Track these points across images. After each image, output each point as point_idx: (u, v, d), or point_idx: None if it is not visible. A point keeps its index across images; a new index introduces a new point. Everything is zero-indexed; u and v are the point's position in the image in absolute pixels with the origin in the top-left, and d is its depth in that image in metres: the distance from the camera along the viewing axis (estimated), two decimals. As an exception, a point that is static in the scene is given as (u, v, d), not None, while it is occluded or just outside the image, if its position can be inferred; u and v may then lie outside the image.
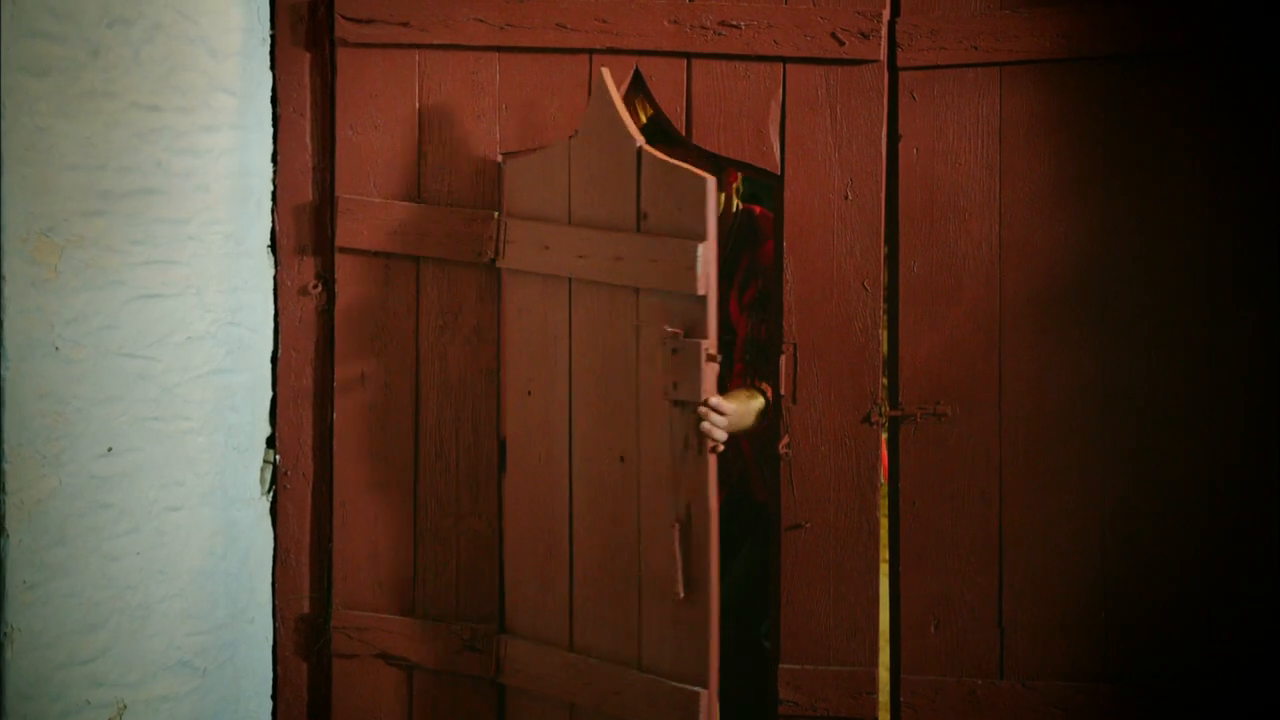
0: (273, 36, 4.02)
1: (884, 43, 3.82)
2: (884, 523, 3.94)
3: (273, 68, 4.03)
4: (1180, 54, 3.76)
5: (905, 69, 3.83)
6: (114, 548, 3.53)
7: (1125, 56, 3.77)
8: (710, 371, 3.43)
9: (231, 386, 3.90)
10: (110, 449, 3.50)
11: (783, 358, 3.87)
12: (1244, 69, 3.75)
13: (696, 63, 3.87)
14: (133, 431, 3.57)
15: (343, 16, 3.93)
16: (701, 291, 3.44)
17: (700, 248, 3.42)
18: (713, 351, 3.45)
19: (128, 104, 3.49)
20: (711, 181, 3.41)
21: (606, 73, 3.58)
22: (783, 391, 3.86)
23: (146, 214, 3.57)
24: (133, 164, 3.51)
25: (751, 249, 4.14)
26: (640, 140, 3.52)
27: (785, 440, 3.89)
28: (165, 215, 3.63)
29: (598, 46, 3.87)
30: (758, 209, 4.25)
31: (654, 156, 3.53)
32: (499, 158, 3.93)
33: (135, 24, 3.50)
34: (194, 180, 3.72)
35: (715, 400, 3.47)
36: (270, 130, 4.03)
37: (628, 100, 3.88)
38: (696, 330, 3.45)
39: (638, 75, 3.88)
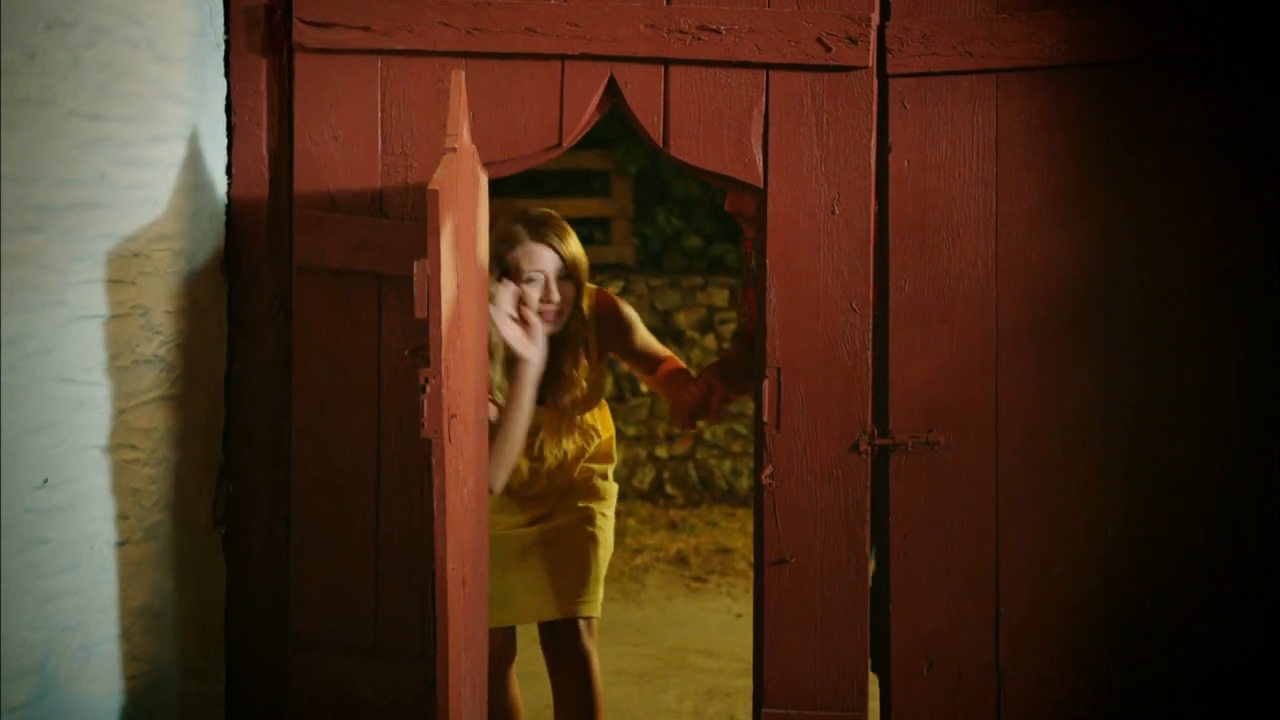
0: (227, 41, 3.94)
1: (873, 48, 3.79)
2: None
3: (227, 75, 3.95)
4: (1185, 60, 3.76)
5: (896, 76, 3.81)
6: (51, 586, 3.46)
7: (1128, 63, 3.77)
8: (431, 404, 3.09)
9: (182, 413, 3.83)
10: (46, 480, 3.42)
11: (765, 382, 3.83)
12: (1250, 76, 3.76)
13: (674, 69, 3.83)
14: (72, 462, 3.50)
15: (300, 20, 3.85)
16: (419, 313, 3.10)
17: (416, 265, 3.09)
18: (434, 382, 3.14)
19: (66, 112, 3.42)
20: (434, 192, 3.03)
21: (458, 76, 3.44)
22: (765, 418, 3.83)
23: (88, 230, 3.50)
24: (72, 176, 3.44)
25: None
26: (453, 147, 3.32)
27: (768, 470, 3.85)
28: (109, 231, 3.56)
29: (570, 52, 3.81)
30: None
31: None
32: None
33: (74, 27, 3.42)
34: (140, 194, 3.66)
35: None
36: (224, 141, 3.96)
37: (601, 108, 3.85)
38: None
39: (612, 82, 3.84)
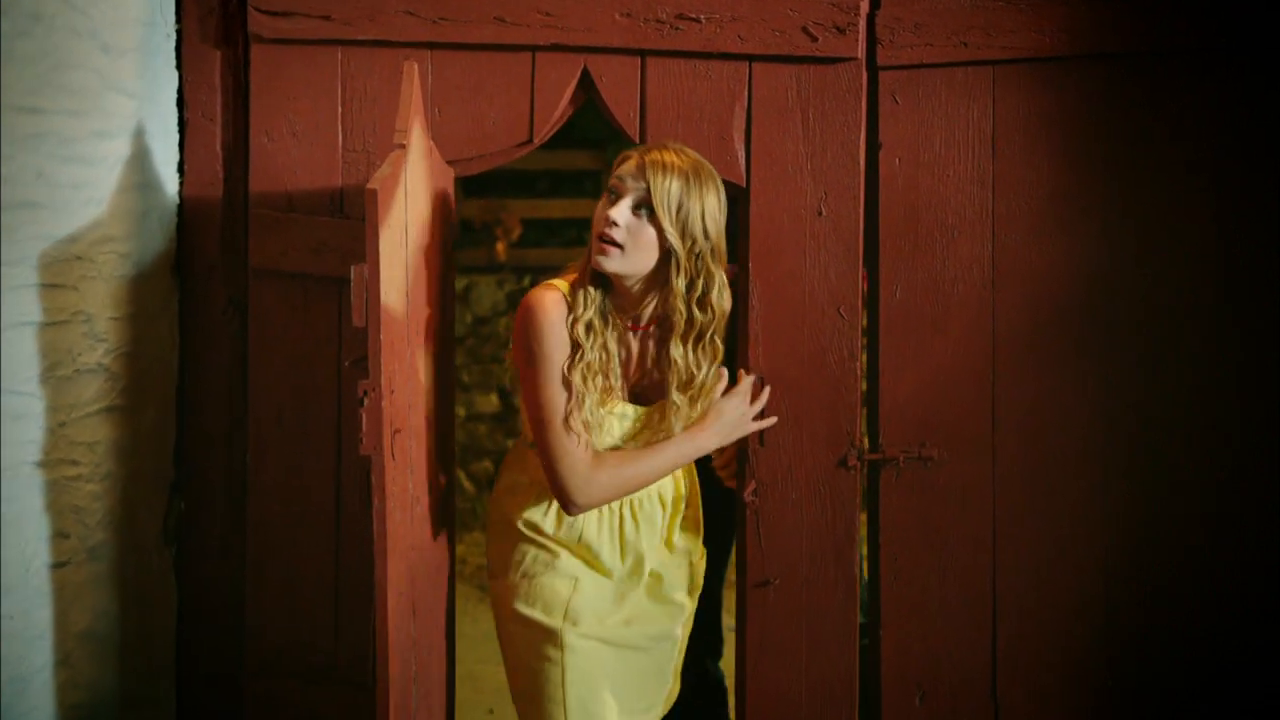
0: (179, 31, 3.86)
1: (862, 38, 3.73)
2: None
3: (179, 67, 3.87)
4: (1187, 54, 3.72)
5: (886, 68, 3.75)
6: (-18, 612, 3.34)
7: (1129, 55, 3.72)
8: (370, 418, 2.96)
9: (129, 425, 3.73)
10: None
11: None
12: (1253, 71, 3.71)
13: (651, 61, 3.76)
14: (6, 480, 3.37)
15: (256, 9, 3.76)
16: (357, 321, 2.97)
17: (354, 270, 2.98)
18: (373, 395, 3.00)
19: (4, 105, 3.28)
20: (373, 192, 2.93)
21: (409, 67, 3.34)
22: None
23: (24, 231, 3.37)
24: (7, 174, 3.30)
25: None
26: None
27: (751, 486, 3.77)
28: (48, 232, 3.44)
29: (541, 43, 3.74)
30: None
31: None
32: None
33: (7, 13, 3.29)
34: (83, 193, 3.55)
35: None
36: (176, 137, 3.87)
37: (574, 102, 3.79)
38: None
39: (586, 75, 3.76)
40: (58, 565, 3.52)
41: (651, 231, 3.25)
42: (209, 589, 3.94)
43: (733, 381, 3.62)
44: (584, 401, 3.30)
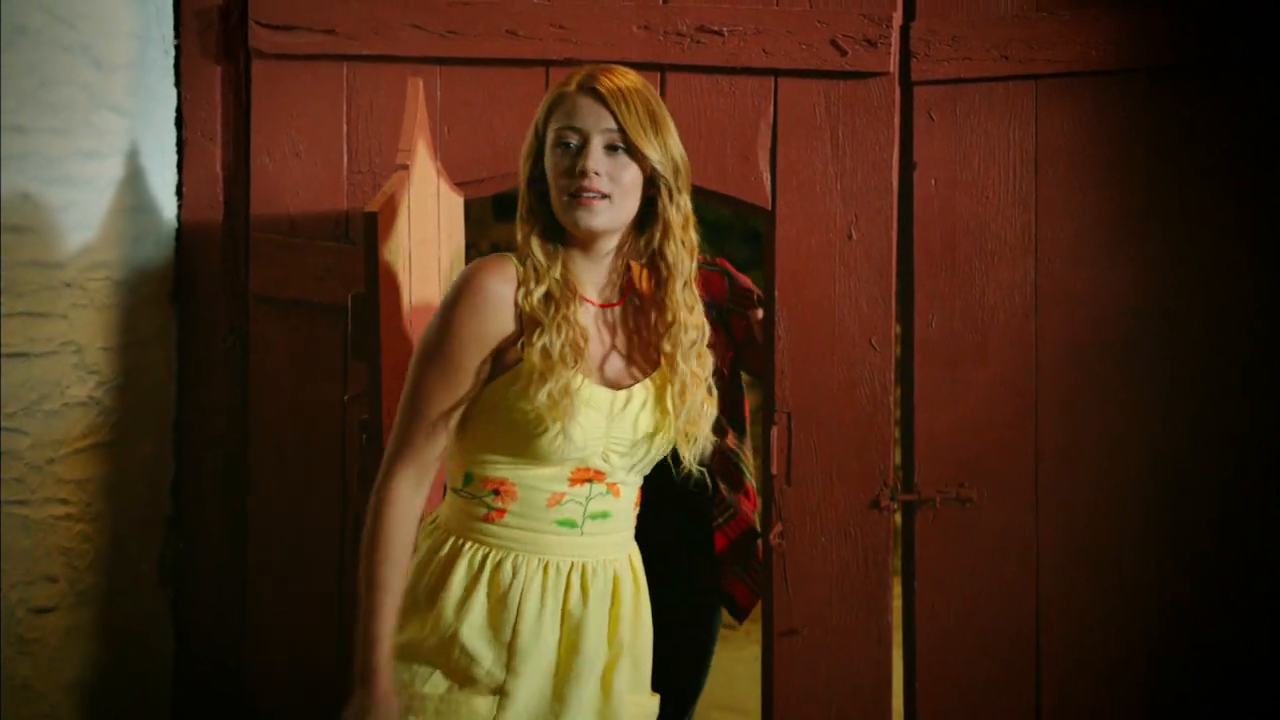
0: (178, 46, 3.84)
1: (895, 52, 3.70)
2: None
3: (178, 83, 3.85)
4: (1244, 66, 3.67)
5: (921, 83, 3.71)
6: (-38, 661, 3.32)
7: (1181, 67, 3.68)
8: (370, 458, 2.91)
9: (122, 462, 3.69)
10: None
11: (774, 429, 3.73)
12: None
13: (671, 76, 3.73)
14: None
15: (258, 23, 3.76)
16: (355, 357, 2.99)
17: (351, 299, 3.01)
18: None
19: None
20: (372, 215, 2.93)
21: (414, 83, 3.30)
22: (774, 470, 3.73)
23: (8, 256, 3.34)
24: None
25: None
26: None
27: (777, 528, 3.73)
28: (33, 258, 3.41)
29: (554, 57, 3.71)
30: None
31: None
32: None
33: None
34: (72, 216, 3.51)
35: None
36: (174, 157, 3.85)
37: None
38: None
39: None
40: (44, 611, 3.48)
41: (634, 169, 2.82)
42: (208, 633, 3.91)
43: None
44: (552, 377, 2.75)
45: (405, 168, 3.09)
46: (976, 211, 3.71)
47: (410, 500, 2.75)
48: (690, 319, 2.87)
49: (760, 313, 3.84)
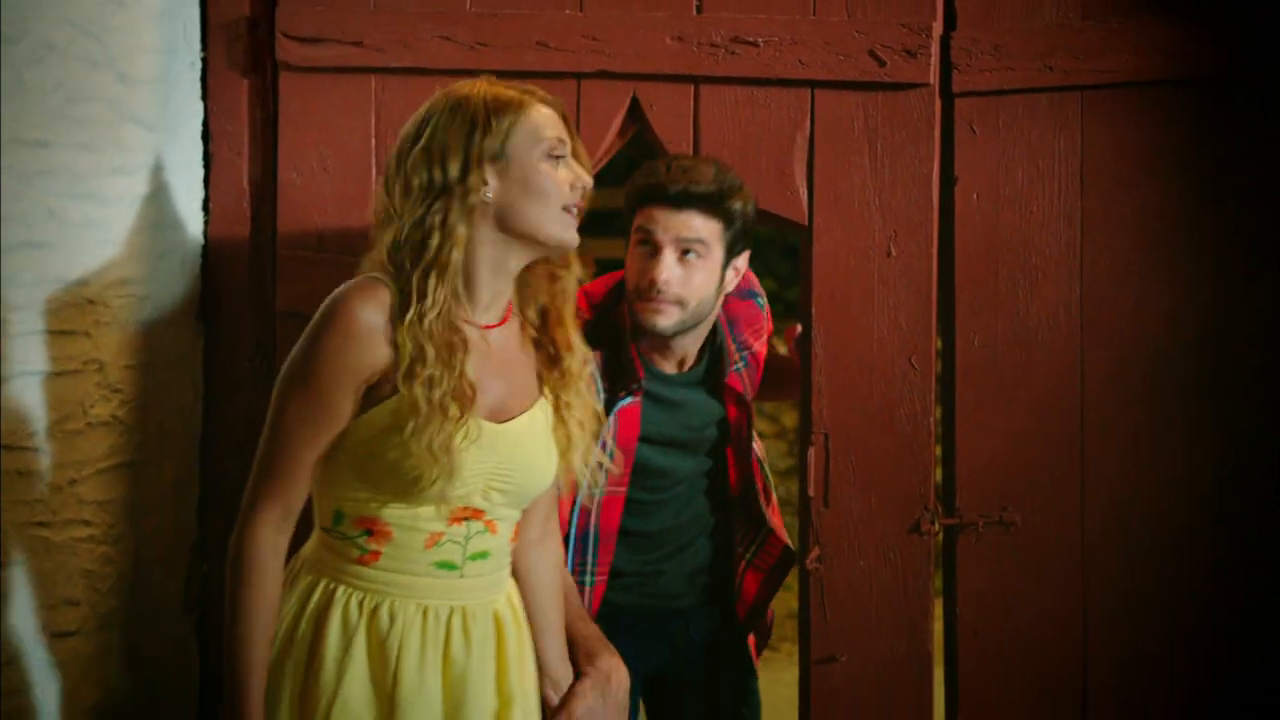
0: (204, 60, 3.81)
1: (935, 62, 3.65)
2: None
3: (204, 97, 3.81)
4: None
5: (962, 95, 3.66)
6: (-20, 687, 3.27)
7: (1236, 79, 3.62)
8: None
9: (146, 482, 3.63)
10: None
11: (811, 450, 3.69)
12: None
13: (705, 88, 3.69)
14: (8, 542, 3.26)
15: (285, 35, 3.72)
16: None
17: None
18: None
19: (7, 139, 3.19)
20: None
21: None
22: (811, 492, 3.69)
23: (30, 273, 3.29)
24: (13, 212, 3.22)
25: None
26: None
27: (814, 553, 3.68)
28: (56, 275, 3.36)
29: (586, 69, 3.67)
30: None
31: None
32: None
33: (18, 42, 3.21)
34: (97, 233, 3.46)
35: None
36: (200, 173, 3.82)
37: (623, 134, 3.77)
38: None
39: (635, 104, 3.71)
40: (66, 635, 3.42)
41: None
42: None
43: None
44: (434, 425, 2.66)
45: None
46: (1020, 227, 3.67)
47: (275, 544, 2.65)
48: (578, 342, 2.84)
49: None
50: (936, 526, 3.68)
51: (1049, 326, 3.67)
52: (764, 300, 3.85)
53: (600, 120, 3.67)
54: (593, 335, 3.20)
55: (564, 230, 2.73)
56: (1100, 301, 3.66)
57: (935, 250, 3.68)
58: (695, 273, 3.37)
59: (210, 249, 3.83)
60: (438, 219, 2.68)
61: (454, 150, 2.67)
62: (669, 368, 3.53)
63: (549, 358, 2.85)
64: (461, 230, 2.69)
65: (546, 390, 2.85)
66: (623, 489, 3.49)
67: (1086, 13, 3.63)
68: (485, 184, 2.69)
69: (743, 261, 3.49)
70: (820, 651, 3.69)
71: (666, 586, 3.67)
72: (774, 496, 3.83)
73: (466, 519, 2.72)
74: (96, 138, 3.44)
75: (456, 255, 2.69)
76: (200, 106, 3.80)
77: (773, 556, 3.72)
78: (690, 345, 3.53)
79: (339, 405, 2.63)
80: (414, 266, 2.67)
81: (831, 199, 3.67)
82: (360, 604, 2.69)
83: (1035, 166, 3.66)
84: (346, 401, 2.63)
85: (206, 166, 3.81)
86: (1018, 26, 3.64)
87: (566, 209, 2.74)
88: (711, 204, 3.36)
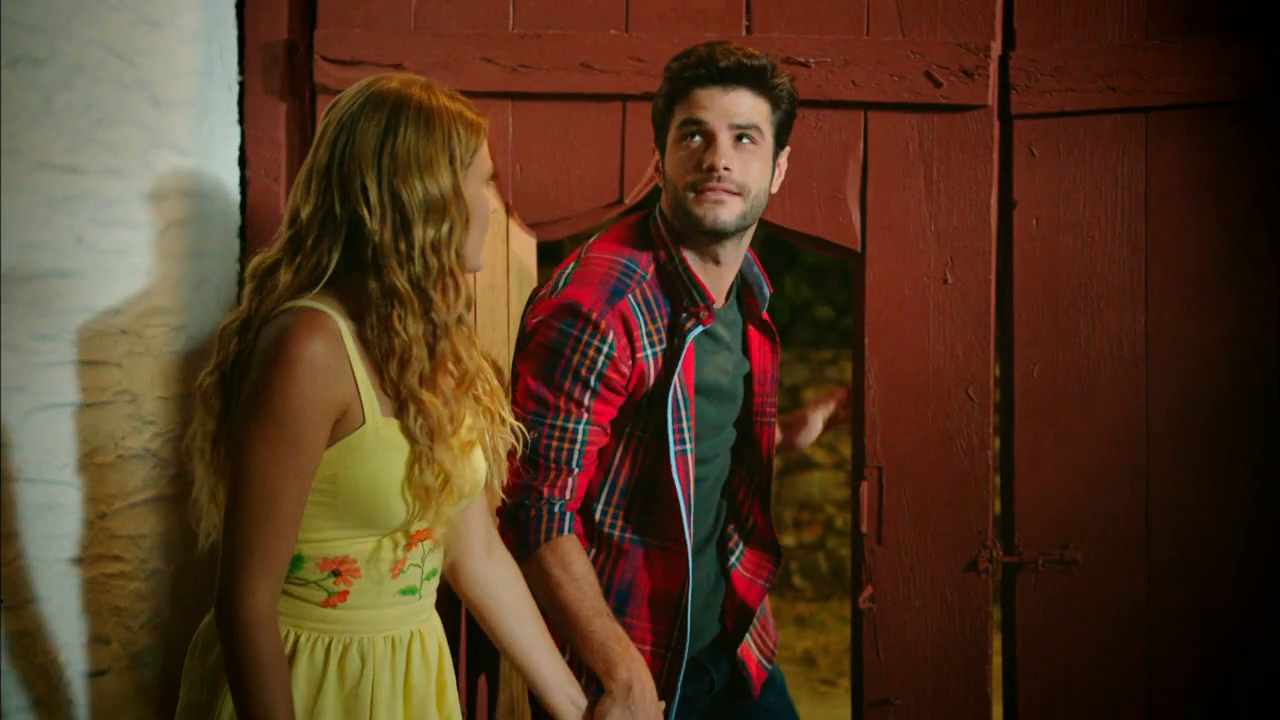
0: (241, 83, 3.80)
1: (993, 83, 3.63)
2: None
3: (241, 121, 3.81)
4: None
5: (1021, 116, 3.65)
6: (8, 729, 3.25)
7: None
8: None
9: (180, 516, 3.56)
10: (2, 601, 3.14)
11: (864, 484, 3.67)
12: None
13: None
14: (36, 577, 3.22)
15: (323, 58, 3.72)
16: None
17: None
18: None
19: (34, 164, 3.18)
20: None
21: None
22: (864, 528, 3.67)
23: (59, 302, 3.26)
24: (40, 239, 3.20)
25: None
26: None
27: (867, 592, 3.66)
28: (86, 304, 3.33)
29: (632, 91, 3.65)
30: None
31: None
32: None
33: (47, 64, 3.20)
34: (129, 260, 3.44)
35: None
36: (237, 198, 3.79)
37: None
38: None
39: None
40: (96, 674, 3.38)
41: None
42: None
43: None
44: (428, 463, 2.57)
45: None
46: (1081, 253, 3.65)
47: (275, 612, 2.50)
48: (474, 344, 2.70)
49: None
50: (994, 565, 3.65)
51: (1112, 356, 3.63)
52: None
53: (647, 144, 3.60)
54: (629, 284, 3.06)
55: (481, 257, 2.65)
56: (1166, 330, 3.63)
57: (993, 277, 3.66)
58: (752, 158, 3.05)
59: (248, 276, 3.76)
60: (443, 232, 2.56)
61: (442, 166, 2.56)
62: (716, 296, 3.18)
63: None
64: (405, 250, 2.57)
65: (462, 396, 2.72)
66: (693, 445, 3.15)
67: (1150, 32, 3.61)
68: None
69: (784, 158, 3.17)
70: (874, 694, 3.66)
71: (694, 608, 3.29)
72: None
73: (422, 541, 2.63)
74: (127, 162, 3.43)
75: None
76: (237, 131, 3.79)
77: (771, 565, 3.43)
78: (734, 265, 3.18)
79: (317, 447, 2.51)
80: (415, 287, 2.55)
81: (885, 224, 3.66)
82: (327, 648, 2.59)
83: (1097, 191, 3.63)
84: (323, 441, 2.52)
85: (243, 192, 3.79)
86: (1079, 46, 3.62)
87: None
88: (762, 81, 3.06)
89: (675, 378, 3.04)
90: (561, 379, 3.01)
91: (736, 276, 3.22)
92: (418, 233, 2.49)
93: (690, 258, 3.10)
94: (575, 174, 3.71)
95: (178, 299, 3.57)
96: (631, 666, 2.95)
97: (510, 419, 2.75)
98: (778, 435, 3.60)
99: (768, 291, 3.30)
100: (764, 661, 3.40)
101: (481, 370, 2.68)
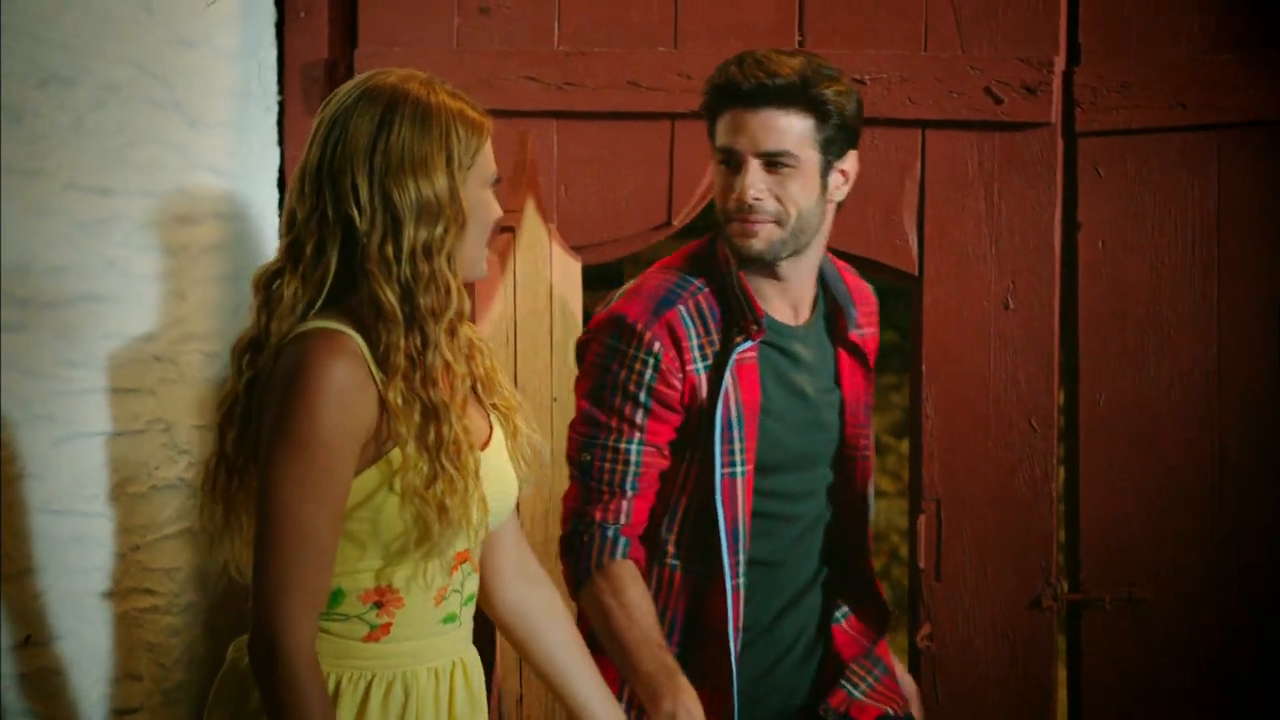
0: (281, 103, 3.78)
1: (1057, 100, 3.60)
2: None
3: (281, 143, 3.79)
4: None
5: (1086, 135, 3.62)
6: (35, 770, 3.24)
7: None
8: None
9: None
10: (30, 638, 3.09)
11: (922, 518, 3.65)
12: None
13: None
14: (65, 612, 3.15)
15: None
16: None
17: None
18: None
19: (63, 185, 3.13)
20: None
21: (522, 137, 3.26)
22: (922, 564, 3.66)
23: (89, 328, 3.21)
24: (70, 263, 3.15)
25: None
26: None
27: (925, 629, 3.65)
28: (118, 329, 3.29)
29: (680, 110, 3.61)
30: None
31: None
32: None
33: (78, 84, 3.15)
34: (163, 285, 3.40)
35: None
36: (275, 221, 3.76)
37: None
38: None
39: None
40: (127, 712, 3.32)
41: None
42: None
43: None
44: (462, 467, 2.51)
45: (511, 230, 3.00)
46: (1149, 278, 3.62)
47: (315, 648, 2.42)
48: (483, 354, 2.63)
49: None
50: (1059, 603, 3.61)
51: (1182, 385, 3.60)
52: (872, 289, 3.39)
53: (695, 164, 3.61)
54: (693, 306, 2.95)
55: (483, 265, 2.55)
56: (1239, 358, 3.59)
57: (1057, 302, 3.63)
58: (788, 181, 2.87)
59: (286, 303, 3.74)
60: (436, 235, 2.46)
61: (438, 166, 2.46)
62: (784, 315, 3.01)
63: (465, 354, 2.61)
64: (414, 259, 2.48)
65: (482, 395, 2.66)
66: (748, 469, 2.97)
67: (1220, 46, 3.59)
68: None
69: (850, 163, 2.97)
70: (935, 736, 3.59)
71: (780, 665, 3.15)
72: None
73: (462, 563, 2.55)
74: (160, 184, 3.41)
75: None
76: (276, 152, 3.78)
77: (876, 623, 3.26)
78: (803, 281, 3.01)
79: (348, 473, 2.44)
80: (403, 293, 2.45)
81: (943, 247, 3.64)
82: (369, 684, 2.51)
83: (1166, 212, 3.60)
84: (353, 466, 2.45)
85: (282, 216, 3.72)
86: (1147, 61, 3.60)
87: (489, 242, 2.58)
88: (794, 96, 2.86)
89: (724, 393, 2.91)
90: (611, 396, 2.91)
91: (818, 292, 3.06)
92: (408, 235, 2.39)
93: (747, 272, 2.96)
94: (622, 195, 3.70)
95: (213, 324, 3.54)
96: (679, 698, 2.82)
97: (528, 432, 2.64)
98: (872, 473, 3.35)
99: (854, 311, 3.10)
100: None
101: (493, 382, 2.61)
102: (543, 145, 3.71)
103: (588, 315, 3.47)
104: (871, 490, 3.21)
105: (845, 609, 3.16)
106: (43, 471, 3.11)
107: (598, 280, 3.99)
